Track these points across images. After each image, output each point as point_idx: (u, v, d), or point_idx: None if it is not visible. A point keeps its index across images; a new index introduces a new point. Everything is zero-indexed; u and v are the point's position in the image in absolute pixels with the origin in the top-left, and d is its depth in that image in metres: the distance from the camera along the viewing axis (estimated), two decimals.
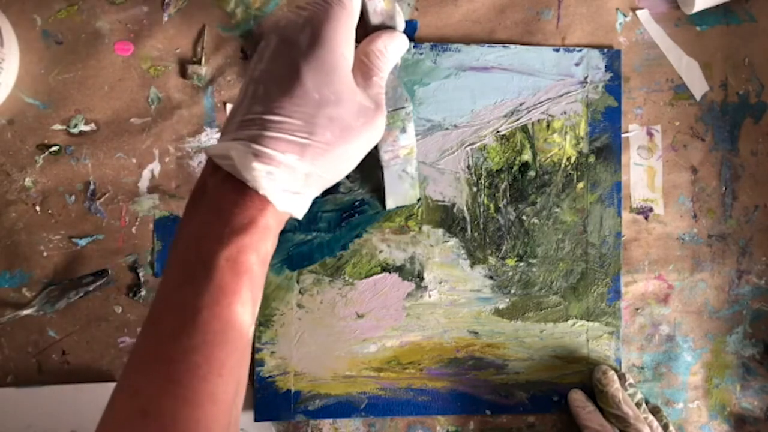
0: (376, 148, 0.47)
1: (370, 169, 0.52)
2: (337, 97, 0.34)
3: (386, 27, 0.40)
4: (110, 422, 0.30)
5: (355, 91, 0.35)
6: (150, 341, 0.31)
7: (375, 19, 0.40)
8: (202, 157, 0.53)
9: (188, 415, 0.29)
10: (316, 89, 0.33)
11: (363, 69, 0.37)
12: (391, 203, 0.52)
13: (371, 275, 0.54)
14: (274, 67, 0.34)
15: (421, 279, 0.54)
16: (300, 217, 0.35)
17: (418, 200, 0.53)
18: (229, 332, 0.31)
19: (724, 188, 0.58)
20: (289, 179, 0.33)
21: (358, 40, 0.39)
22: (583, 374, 0.56)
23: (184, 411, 0.29)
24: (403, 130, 0.46)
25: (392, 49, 0.39)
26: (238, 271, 0.31)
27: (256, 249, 0.32)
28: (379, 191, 0.52)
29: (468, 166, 0.55)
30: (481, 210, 0.55)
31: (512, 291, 0.55)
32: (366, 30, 0.40)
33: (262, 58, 0.35)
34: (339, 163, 0.35)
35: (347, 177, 0.53)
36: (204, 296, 0.31)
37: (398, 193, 0.51)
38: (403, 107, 0.45)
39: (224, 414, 0.31)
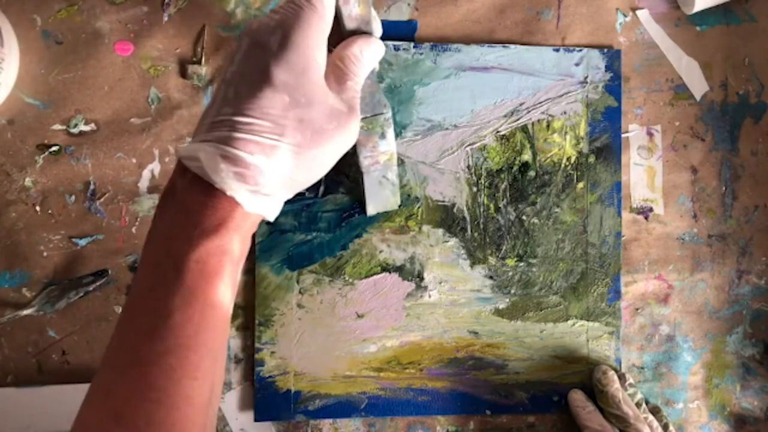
0: (355, 154, 0.47)
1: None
2: (308, 99, 0.34)
3: (362, 32, 0.40)
4: (84, 425, 0.30)
5: (327, 94, 0.35)
6: (124, 342, 0.32)
7: (350, 24, 0.40)
8: None
9: (163, 418, 0.29)
10: (285, 91, 0.33)
11: (337, 73, 0.37)
12: (371, 209, 0.52)
13: (371, 275, 0.54)
14: (244, 69, 0.34)
15: (421, 279, 0.54)
16: (271, 219, 0.35)
17: (400, 206, 0.53)
18: (202, 334, 0.31)
19: (724, 188, 0.58)
20: (258, 181, 0.33)
21: (335, 44, 0.39)
22: (583, 374, 0.56)
23: (159, 414, 0.29)
24: (383, 135, 0.46)
25: (368, 54, 0.39)
26: (208, 272, 0.31)
27: (227, 250, 0.32)
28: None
29: (468, 166, 0.55)
30: (481, 210, 0.55)
31: (512, 291, 0.55)
32: (342, 35, 0.40)
33: (234, 60, 0.35)
34: (311, 166, 0.35)
35: (347, 177, 0.53)
36: (175, 299, 0.31)
37: (379, 199, 0.51)
38: (382, 113, 0.45)
39: (200, 415, 0.31)
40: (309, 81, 0.34)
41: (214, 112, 0.34)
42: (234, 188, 0.32)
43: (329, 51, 0.37)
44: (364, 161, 0.47)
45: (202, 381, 0.31)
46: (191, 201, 0.32)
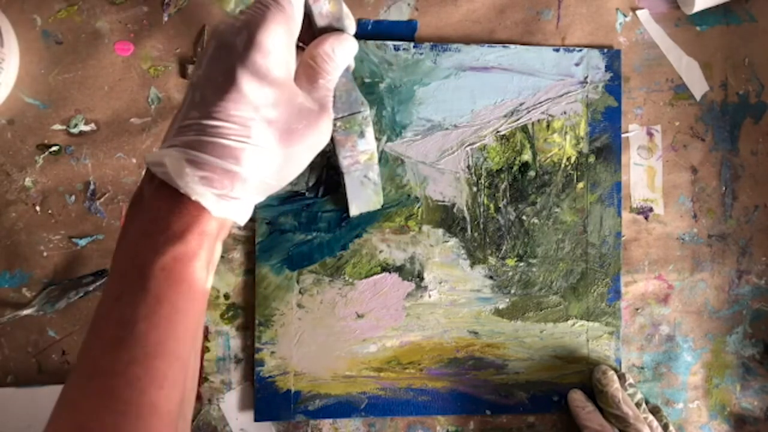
0: (335, 154, 0.46)
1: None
2: (276, 100, 0.34)
3: (335, 29, 0.40)
4: None
5: (296, 93, 0.35)
6: (89, 354, 0.31)
7: (321, 22, 0.39)
8: None
9: (129, 429, 0.29)
10: (252, 92, 0.33)
11: (309, 72, 0.37)
12: (354, 210, 0.51)
13: (371, 275, 0.54)
14: (211, 72, 0.34)
15: (421, 279, 0.54)
16: (242, 223, 0.35)
17: (382, 206, 0.52)
18: (169, 343, 0.30)
19: (724, 188, 0.58)
20: (226, 184, 0.32)
21: (306, 43, 0.39)
22: (583, 374, 0.56)
23: (125, 425, 0.29)
24: (362, 134, 0.45)
25: (340, 52, 0.38)
26: (174, 280, 0.31)
27: (194, 257, 0.32)
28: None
29: (468, 166, 0.55)
30: (481, 210, 0.55)
31: (512, 291, 0.55)
32: (314, 33, 0.39)
33: (201, 63, 0.35)
34: (282, 167, 0.35)
35: None
36: (141, 307, 0.30)
37: (361, 199, 0.50)
38: (359, 111, 0.44)
39: (168, 426, 0.30)
40: (276, 81, 0.34)
41: (181, 117, 0.33)
42: (199, 192, 0.32)
43: (301, 50, 0.37)
44: (344, 161, 0.47)
45: (169, 390, 0.30)
46: (158, 207, 0.32)
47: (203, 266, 0.32)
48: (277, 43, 0.34)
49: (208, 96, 0.33)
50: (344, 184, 0.49)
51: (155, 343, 0.30)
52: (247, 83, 0.33)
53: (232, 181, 0.32)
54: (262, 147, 0.33)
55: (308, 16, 0.38)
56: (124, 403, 0.29)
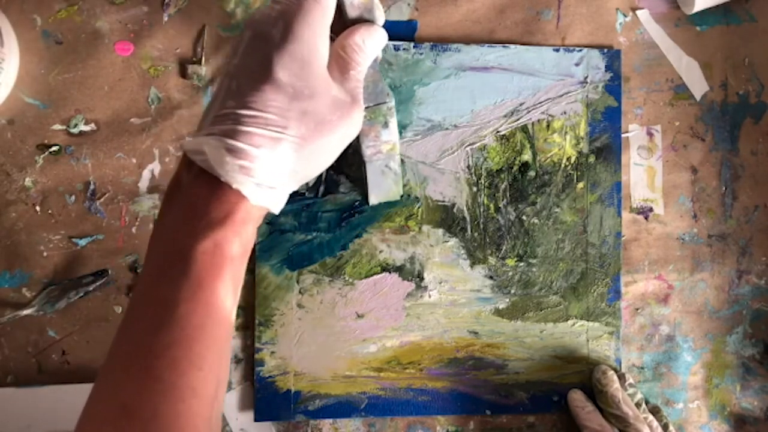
0: (358, 143, 0.47)
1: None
2: (311, 90, 0.34)
3: (365, 20, 0.40)
4: (91, 417, 0.30)
5: (329, 84, 0.35)
6: (130, 336, 0.31)
7: (353, 13, 0.39)
8: None
9: (169, 410, 0.29)
10: (289, 83, 0.33)
11: (340, 63, 0.37)
12: (374, 199, 0.52)
13: (371, 275, 0.54)
14: (247, 62, 0.34)
15: (421, 279, 0.54)
16: (276, 211, 0.35)
17: (402, 196, 0.53)
18: (208, 326, 0.31)
19: (724, 188, 0.58)
20: (263, 173, 0.33)
21: (337, 33, 0.39)
22: (583, 374, 0.56)
23: (165, 405, 0.29)
24: (385, 125, 0.46)
25: (370, 43, 0.38)
26: (214, 264, 0.31)
27: (233, 242, 0.32)
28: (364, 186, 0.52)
29: (468, 166, 0.55)
30: (481, 210, 0.55)
31: (512, 291, 0.55)
32: (345, 24, 0.40)
33: (237, 52, 0.35)
34: (315, 157, 0.35)
35: (347, 177, 0.53)
36: (182, 290, 0.31)
37: (381, 188, 0.51)
38: (385, 102, 0.45)
39: (205, 408, 0.31)
40: (311, 72, 0.34)
41: (218, 106, 0.34)
42: (239, 181, 0.32)
43: (331, 40, 0.37)
44: (367, 150, 0.47)
45: (207, 372, 0.31)
46: (197, 194, 0.33)
47: (242, 252, 0.33)
48: (313, 34, 0.34)
49: (245, 86, 0.33)
50: (365, 173, 0.50)
51: (195, 326, 0.30)
52: (283, 74, 0.33)
53: (269, 170, 0.33)
54: (297, 137, 0.33)
55: (339, 7, 0.39)
56: (166, 384, 0.29)
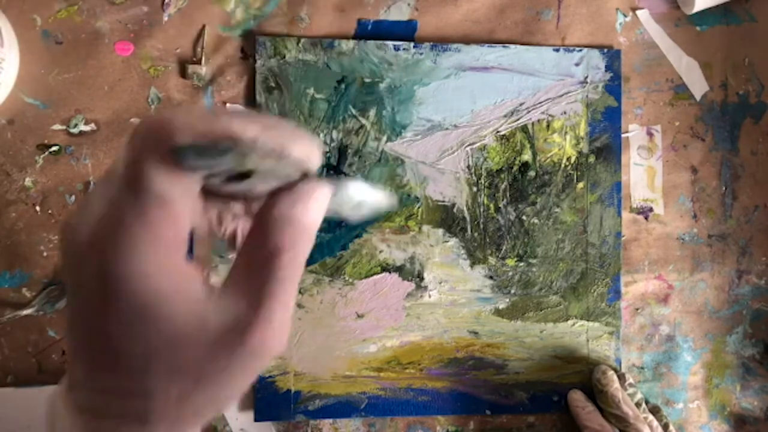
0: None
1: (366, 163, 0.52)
2: (168, 343, 0.22)
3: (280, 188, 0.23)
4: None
5: (195, 324, 0.22)
6: None
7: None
8: None
9: None
10: (130, 350, 0.22)
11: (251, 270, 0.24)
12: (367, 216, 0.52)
13: (371, 275, 0.54)
14: (74, 329, 0.23)
15: (421, 279, 0.54)
16: None
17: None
18: None
19: (724, 188, 0.58)
20: None
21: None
22: (583, 374, 0.56)
23: None
24: (358, 206, 0.29)
25: (296, 240, 0.23)
26: None
27: None
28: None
29: (468, 166, 0.55)
30: (481, 210, 0.55)
31: (512, 291, 0.55)
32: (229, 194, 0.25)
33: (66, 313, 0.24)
34: (210, 408, 0.24)
35: (347, 177, 0.53)
36: None
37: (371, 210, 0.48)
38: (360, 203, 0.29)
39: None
40: (160, 321, 0.22)
41: (72, 371, 0.24)
42: None
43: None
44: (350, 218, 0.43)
45: None
46: None
47: None
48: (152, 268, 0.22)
49: (84, 359, 0.23)
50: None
51: None
52: (118, 340, 0.22)
53: None
54: (172, 403, 0.23)
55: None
56: None
